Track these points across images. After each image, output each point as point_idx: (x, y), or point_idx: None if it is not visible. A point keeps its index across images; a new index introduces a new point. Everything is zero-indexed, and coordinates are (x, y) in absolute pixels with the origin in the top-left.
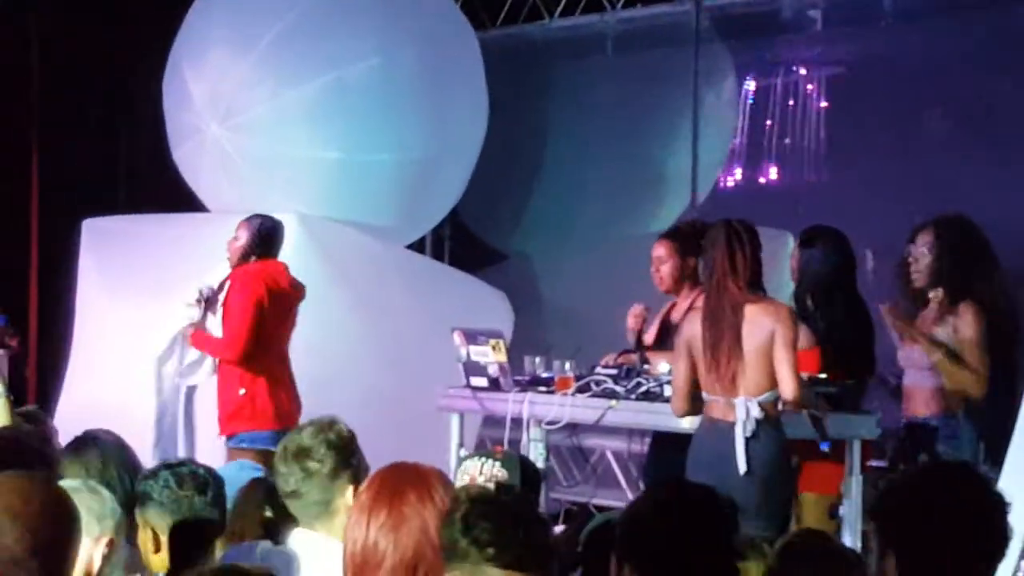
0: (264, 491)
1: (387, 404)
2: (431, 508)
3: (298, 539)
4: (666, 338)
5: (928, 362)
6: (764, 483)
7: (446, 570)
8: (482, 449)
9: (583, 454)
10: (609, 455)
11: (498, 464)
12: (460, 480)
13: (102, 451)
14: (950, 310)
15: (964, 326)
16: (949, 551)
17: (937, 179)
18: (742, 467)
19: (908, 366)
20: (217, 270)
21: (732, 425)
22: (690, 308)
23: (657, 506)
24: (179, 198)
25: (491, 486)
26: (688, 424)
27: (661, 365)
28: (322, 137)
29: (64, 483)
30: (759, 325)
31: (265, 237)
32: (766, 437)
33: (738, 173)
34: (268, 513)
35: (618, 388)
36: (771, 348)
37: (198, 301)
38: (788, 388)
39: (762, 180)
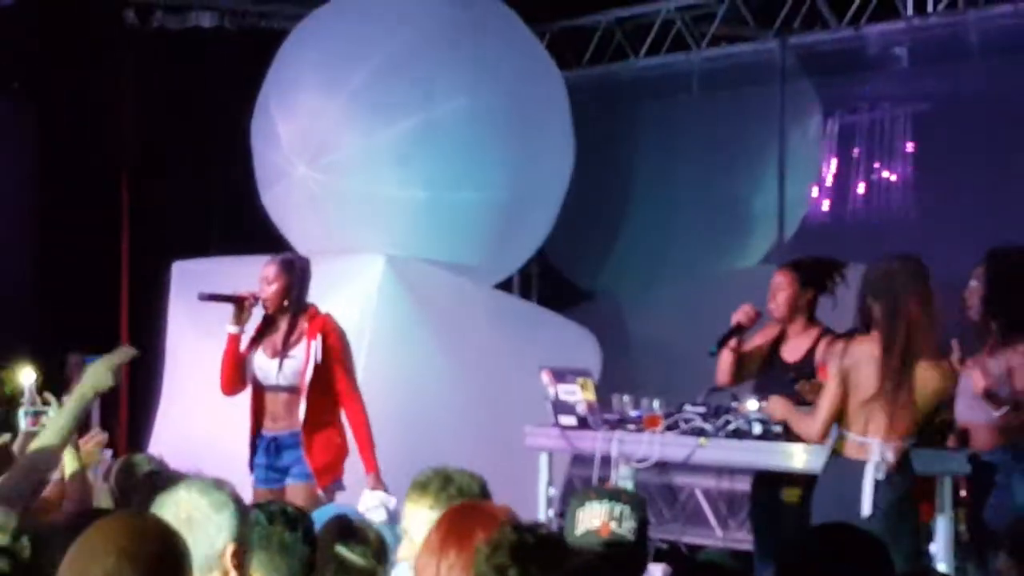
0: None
1: (476, 443)
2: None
3: None
4: (770, 371)
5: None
6: (888, 523)
7: None
8: (594, 488)
9: (672, 492)
10: (698, 493)
11: (627, 508)
12: (583, 525)
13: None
14: (1005, 343)
15: (1018, 366)
16: None
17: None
18: (867, 508)
19: (965, 396)
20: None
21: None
22: (832, 341)
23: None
24: (268, 240)
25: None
26: (777, 460)
27: (750, 403)
28: (410, 177)
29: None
30: (926, 380)
31: (308, 277)
32: (898, 478)
33: (825, 209)
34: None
35: (707, 426)
36: (927, 402)
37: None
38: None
39: (849, 217)
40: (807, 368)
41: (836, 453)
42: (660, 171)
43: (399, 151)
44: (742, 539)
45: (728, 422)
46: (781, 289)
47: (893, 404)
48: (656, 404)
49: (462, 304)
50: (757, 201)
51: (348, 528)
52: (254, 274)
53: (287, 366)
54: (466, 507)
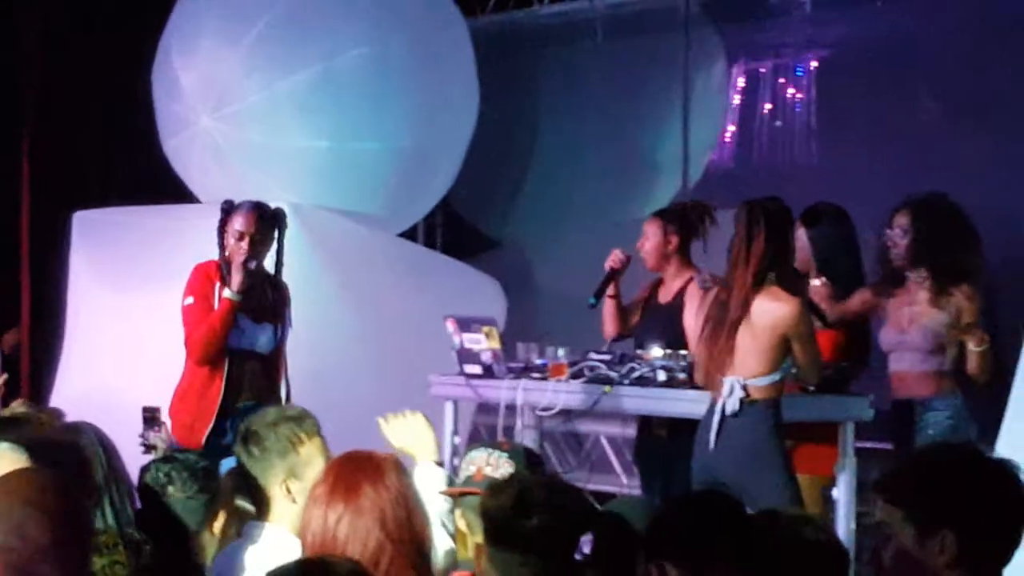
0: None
1: (382, 393)
2: (386, 497)
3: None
4: (653, 319)
5: (929, 344)
6: (744, 462)
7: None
8: (482, 439)
9: (578, 440)
10: (604, 441)
11: (504, 456)
12: (466, 470)
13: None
14: (945, 294)
15: (967, 312)
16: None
17: (928, 161)
18: (711, 443)
19: (902, 349)
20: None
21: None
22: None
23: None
24: (170, 189)
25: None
26: (684, 408)
27: (654, 350)
28: (313, 127)
29: None
30: (762, 318)
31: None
32: (751, 417)
33: (729, 156)
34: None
35: (612, 374)
36: (770, 341)
37: None
38: (812, 379)
39: (753, 164)
40: (677, 309)
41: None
42: (565, 119)
43: (301, 100)
44: None
45: (633, 369)
46: (647, 238)
47: (723, 341)
48: (561, 352)
49: (366, 253)
50: (662, 149)
51: (244, 480)
52: (155, 223)
53: (270, 333)
54: (352, 457)
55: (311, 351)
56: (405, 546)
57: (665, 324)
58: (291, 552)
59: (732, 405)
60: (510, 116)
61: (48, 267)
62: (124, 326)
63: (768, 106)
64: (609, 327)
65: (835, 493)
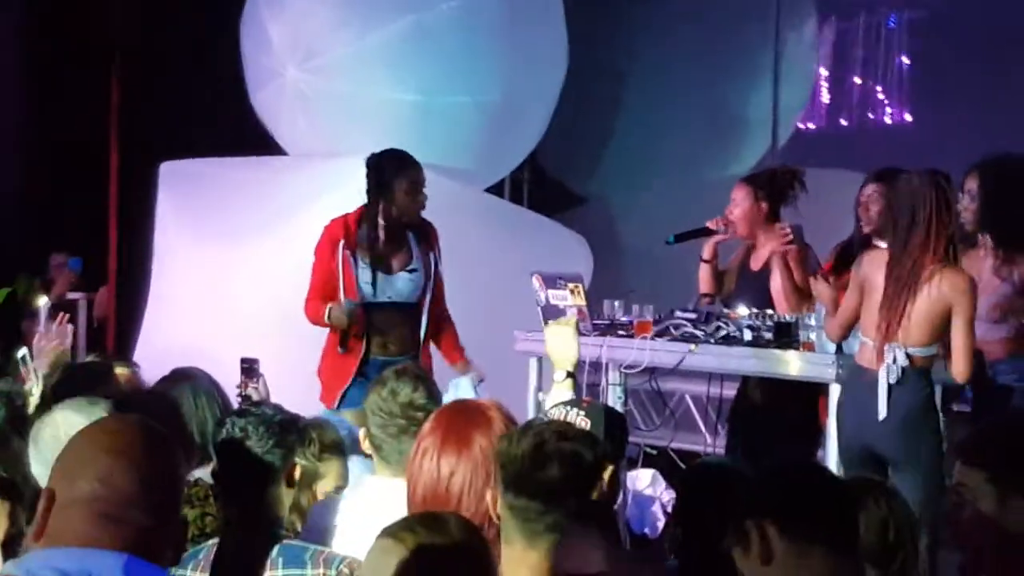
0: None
1: (468, 348)
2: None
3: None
4: (745, 285)
5: (994, 316)
6: (907, 431)
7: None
8: (569, 400)
9: (662, 398)
10: (688, 399)
11: (582, 414)
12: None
13: (193, 387)
14: (1009, 262)
15: None
16: None
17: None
18: (882, 412)
19: None
20: (294, 213)
21: (877, 372)
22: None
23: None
24: (257, 141)
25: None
26: (767, 367)
27: (740, 309)
28: (401, 79)
29: None
30: (940, 291)
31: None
32: (913, 385)
33: (819, 115)
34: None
35: (698, 332)
36: (942, 316)
37: None
38: (960, 368)
39: (843, 124)
40: (768, 275)
41: (858, 366)
42: (654, 75)
43: (390, 53)
44: None
45: (719, 328)
46: (736, 204)
47: (897, 311)
48: (647, 310)
49: (452, 208)
50: (752, 106)
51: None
52: (242, 175)
53: (409, 280)
54: (459, 407)
55: None
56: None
57: (756, 290)
58: (397, 502)
59: (895, 374)
60: (599, 72)
61: (136, 220)
62: (209, 279)
63: (859, 65)
64: (704, 287)
65: (820, 453)
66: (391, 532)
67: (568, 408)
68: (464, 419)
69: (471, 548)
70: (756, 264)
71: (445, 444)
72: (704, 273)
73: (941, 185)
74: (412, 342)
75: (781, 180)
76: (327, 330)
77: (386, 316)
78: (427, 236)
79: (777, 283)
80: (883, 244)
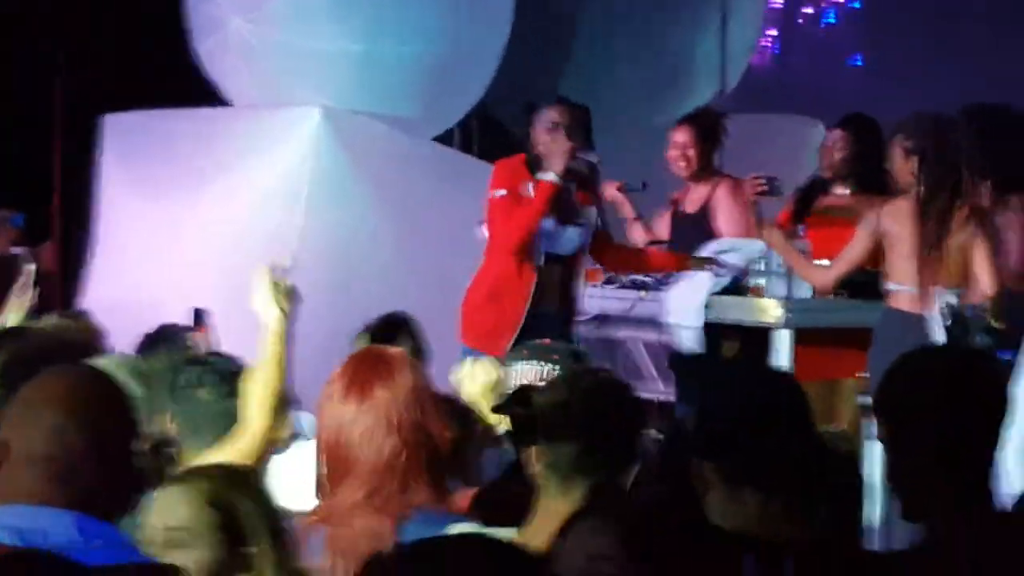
0: None
1: (416, 298)
2: (400, 397)
3: None
4: (680, 229)
5: None
6: None
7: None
8: (528, 346)
9: (612, 346)
10: (640, 347)
11: (557, 369)
12: (513, 381)
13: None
14: (995, 202)
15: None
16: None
17: (974, 68)
18: None
19: None
20: (239, 165)
21: (920, 317)
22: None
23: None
24: (202, 93)
25: None
26: (723, 314)
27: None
28: (346, 29)
29: None
30: (967, 232)
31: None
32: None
33: (768, 58)
34: None
35: (647, 279)
36: (966, 251)
37: None
38: (987, 280)
39: (793, 67)
40: (704, 217)
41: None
42: (601, 20)
43: (334, 3)
44: None
45: (669, 274)
46: (688, 147)
47: (940, 255)
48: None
49: (401, 157)
50: (699, 51)
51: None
52: (187, 127)
53: (574, 235)
54: (366, 354)
55: (346, 257)
56: (419, 449)
57: (693, 233)
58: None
59: (948, 317)
60: (547, 18)
61: (80, 174)
62: (155, 231)
63: (809, 9)
64: (637, 235)
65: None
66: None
67: (541, 365)
68: (369, 368)
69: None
70: (691, 207)
71: (349, 391)
72: (639, 227)
73: (958, 134)
74: (567, 297)
75: (710, 122)
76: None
77: (552, 267)
78: (586, 190)
79: (725, 224)
80: (842, 190)
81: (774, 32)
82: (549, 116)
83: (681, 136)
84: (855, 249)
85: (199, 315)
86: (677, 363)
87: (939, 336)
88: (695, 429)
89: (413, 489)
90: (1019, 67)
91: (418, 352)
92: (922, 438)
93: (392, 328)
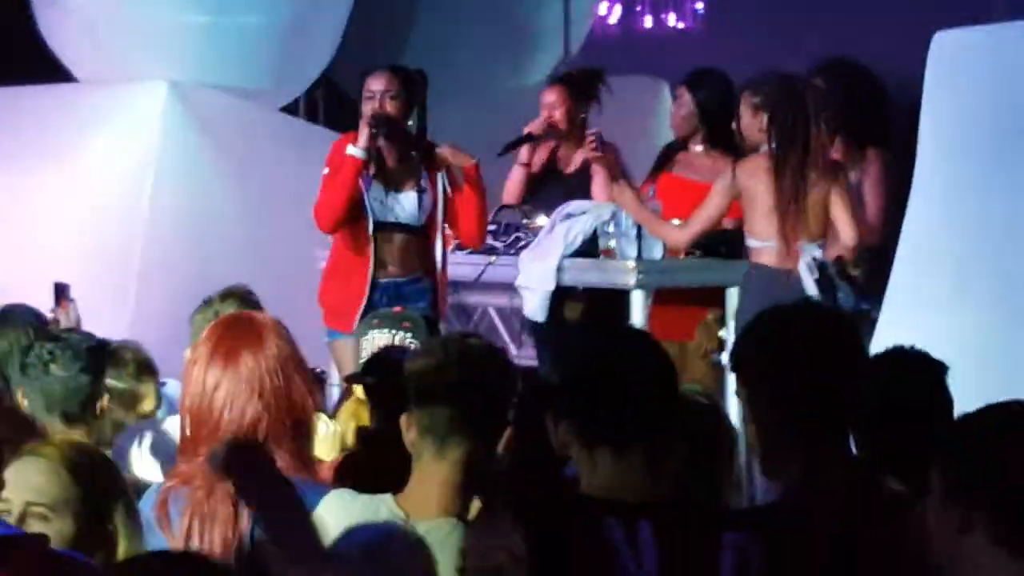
0: None
1: (267, 270)
2: (265, 364)
3: None
4: (555, 189)
5: None
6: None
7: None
8: (379, 315)
9: (466, 311)
10: (492, 311)
11: (409, 336)
12: (367, 350)
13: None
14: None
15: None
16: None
17: (819, 22)
18: None
19: None
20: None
21: (788, 272)
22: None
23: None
24: (47, 68)
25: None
26: (575, 277)
27: (540, 219)
28: (190, 1)
29: None
30: (824, 185)
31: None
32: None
33: (612, 21)
34: None
35: (497, 244)
36: (824, 203)
37: None
38: (849, 232)
39: (636, 29)
40: (584, 178)
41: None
42: None
43: None
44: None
45: (518, 239)
46: (557, 107)
47: (798, 210)
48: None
49: (249, 129)
50: (543, 15)
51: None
52: (29, 105)
53: (414, 201)
54: (232, 320)
55: (197, 229)
56: (282, 415)
57: (570, 195)
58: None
59: (815, 270)
60: None
61: None
62: (1, 209)
63: None
64: (513, 196)
65: (724, 358)
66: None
67: (393, 332)
68: (235, 334)
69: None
70: (569, 167)
71: (213, 356)
72: (516, 179)
73: (808, 89)
74: (418, 264)
75: (590, 80)
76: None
77: (393, 236)
78: (429, 155)
79: (599, 190)
80: (698, 148)
81: None
82: (367, 85)
83: (550, 97)
84: (710, 208)
85: (60, 289)
86: (533, 327)
87: (810, 290)
88: (550, 389)
89: (276, 455)
90: (864, 20)
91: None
92: (779, 396)
93: (232, 300)
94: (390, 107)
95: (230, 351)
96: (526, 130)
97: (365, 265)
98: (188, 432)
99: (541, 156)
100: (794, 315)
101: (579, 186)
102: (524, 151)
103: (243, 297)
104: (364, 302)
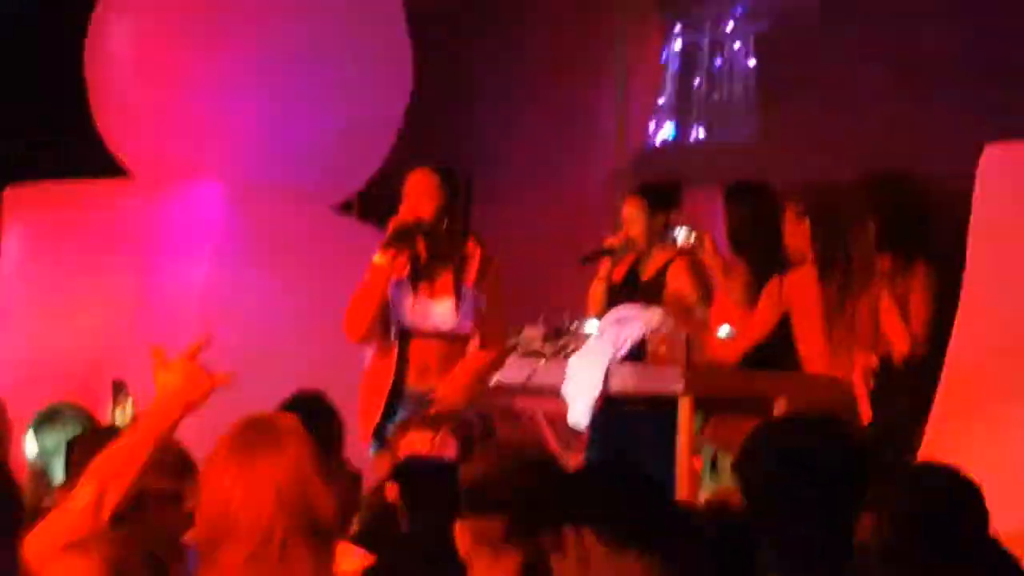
0: None
1: (317, 368)
2: (284, 465)
3: None
4: (632, 296)
5: None
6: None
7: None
8: (421, 416)
9: (513, 415)
10: (539, 415)
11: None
12: (407, 449)
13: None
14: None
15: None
16: None
17: (869, 133)
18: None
19: None
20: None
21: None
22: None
23: None
24: (103, 163)
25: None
26: (623, 384)
27: (589, 324)
28: (245, 100)
29: None
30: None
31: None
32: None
33: (666, 130)
34: None
35: (545, 348)
36: (874, 312)
37: None
38: (902, 340)
39: (690, 139)
40: (660, 285)
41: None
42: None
43: None
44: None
45: (567, 344)
46: (635, 220)
47: (847, 318)
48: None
49: (303, 229)
50: (598, 122)
51: None
52: (90, 203)
53: (449, 307)
54: (252, 420)
55: (246, 329)
56: (300, 519)
57: (647, 301)
58: None
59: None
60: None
61: None
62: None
63: (705, 80)
64: (595, 309)
65: None
66: None
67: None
68: (253, 436)
69: None
70: (646, 273)
71: (230, 458)
72: (597, 292)
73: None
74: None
75: (666, 190)
76: None
77: (425, 344)
78: (467, 260)
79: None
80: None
81: (669, 100)
82: (405, 184)
83: (629, 210)
84: (760, 322)
85: (118, 387)
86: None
87: (862, 400)
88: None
89: (294, 558)
90: (913, 127)
91: (329, 430)
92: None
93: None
94: (425, 208)
95: (247, 453)
96: (606, 243)
97: (384, 373)
98: (204, 534)
99: (621, 269)
100: (794, 433)
101: (657, 291)
102: (603, 265)
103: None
104: (382, 410)
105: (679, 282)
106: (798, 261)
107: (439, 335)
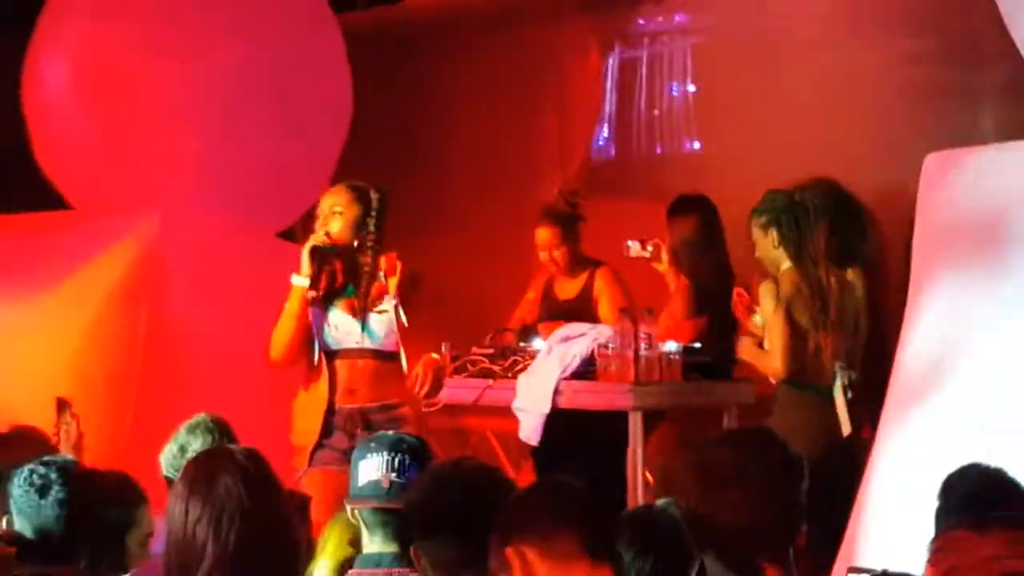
0: None
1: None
2: (244, 491)
3: None
4: (554, 316)
5: None
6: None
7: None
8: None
9: (464, 435)
10: (490, 435)
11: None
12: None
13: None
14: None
15: None
16: None
17: (801, 145)
18: (846, 429)
19: None
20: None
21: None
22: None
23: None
24: (41, 196)
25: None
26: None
27: (536, 343)
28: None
29: None
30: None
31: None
32: None
33: (607, 146)
34: None
35: (495, 367)
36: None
37: None
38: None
39: (632, 153)
40: (584, 304)
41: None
42: (438, 111)
43: None
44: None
45: (516, 363)
46: (554, 246)
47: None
48: (443, 347)
49: (243, 255)
50: (539, 139)
51: None
52: (28, 234)
53: (380, 322)
54: (209, 452)
55: (188, 353)
56: (267, 541)
57: (569, 320)
58: None
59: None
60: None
61: None
62: None
63: (644, 94)
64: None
65: None
66: None
67: (392, 455)
68: (209, 467)
69: None
70: (567, 293)
71: (192, 489)
72: (530, 307)
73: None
74: (387, 388)
75: (567, 204)
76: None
77: (355, 362)
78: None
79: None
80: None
81: (608, 117)
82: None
83: (544, 235)
84: (780, 327)
85: (61, 405)
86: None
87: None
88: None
89: None
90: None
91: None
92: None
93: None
94: (336, 224)
95: (208, 480)
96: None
97: (317, 395)
98: (174, 563)
99: (538, 285)
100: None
101: (579, 310)
102: (530, 287)
103: (209, 427)
104: (319, 432)
105: (612, 289)
106: (774, 272)
107: (362, 353)
